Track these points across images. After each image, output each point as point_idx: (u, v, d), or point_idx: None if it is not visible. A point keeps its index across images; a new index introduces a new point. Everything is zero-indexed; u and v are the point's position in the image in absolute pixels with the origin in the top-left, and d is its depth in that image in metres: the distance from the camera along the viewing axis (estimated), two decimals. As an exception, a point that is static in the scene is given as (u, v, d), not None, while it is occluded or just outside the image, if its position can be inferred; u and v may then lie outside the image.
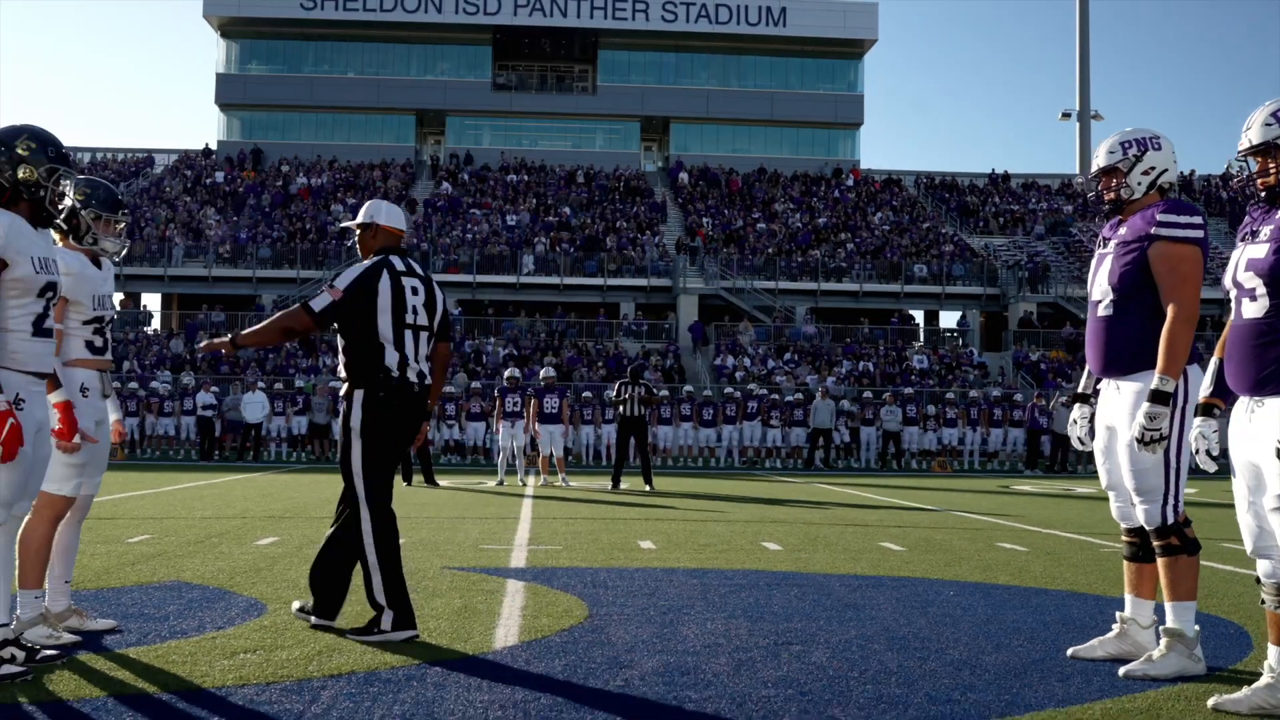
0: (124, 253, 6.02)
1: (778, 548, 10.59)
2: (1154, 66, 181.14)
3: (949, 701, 4.76)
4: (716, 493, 19.09)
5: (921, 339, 46.32)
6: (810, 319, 44.79)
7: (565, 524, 12.89)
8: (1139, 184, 5.58)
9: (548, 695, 4.77)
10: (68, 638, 5.70)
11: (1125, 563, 5.76)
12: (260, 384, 32.05)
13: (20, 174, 4.93)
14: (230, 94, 62.26)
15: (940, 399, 34.52)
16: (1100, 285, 5.58)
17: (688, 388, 34.51)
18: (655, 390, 20.73)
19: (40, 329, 4.98)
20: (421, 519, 13.06)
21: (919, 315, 49.25)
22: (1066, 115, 63.66)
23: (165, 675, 5.07)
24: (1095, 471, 21.39)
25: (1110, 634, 5.73)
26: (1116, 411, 5.51)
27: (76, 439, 5.45)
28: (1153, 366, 5.28)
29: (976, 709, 4.64)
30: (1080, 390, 5.97)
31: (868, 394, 34.39)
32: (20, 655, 4.96)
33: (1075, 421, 5.95)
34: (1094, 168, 5.70)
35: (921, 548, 10.79)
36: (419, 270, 6.40)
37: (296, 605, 6.42)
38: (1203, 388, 5.01)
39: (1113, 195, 5.63)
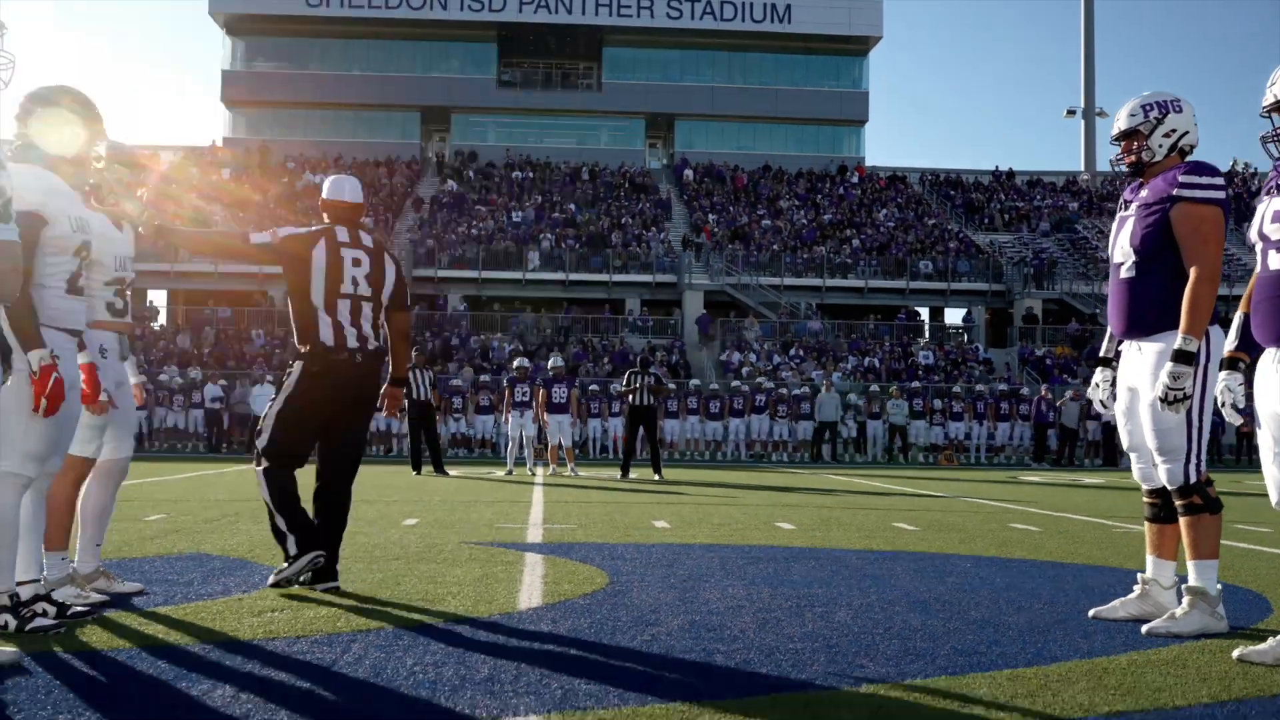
0: (145, 216, 6.07)
1: (792, 527, 10.63)
2: (1159, 64, 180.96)
3: (975, 654, 4.79)
4: (726, 481, 19.12)
5: (927, 335, 46.30)
6: (816, 315, 44.80)
7: (579, 506, 12.93)
8: (1160, 146, 5.60)
9: (576, 649, 4.81)
10: (96, 598, 5.74)
11: (1147, 524, 5.79)
12: (269, 377, 32.10)
13: (65, 134, 4.98)
14: (236, 91, 62.31)
15: (946, 393, 34.53)
16: (1121, 247, 5.60)
17: (694, 381, 34.51)
18: (664, 380, 20.73)
19: (73, 287, 5.03)
20: (434, 502, 13.10)
21: (924, 312, 49.23)
22: (1071, 112, 63.72)
23: (196, 629, 5.12)
24: (1102, 465, 21.43)
25: (1132, 595, 5.75)
26: (1139, 372, 5.53)
27: (103, 397, 5.49)
28: (1175, 327, 5.30)
29: (1004, 660, 4.67)
30: (1101, 354, 5.99)
31: (874, 388, 34.40)
32: (51, 610, 5.00)
33: (1097, 385, 5.98)
34: (1114, 131, 5.72)
35: (935, 527, 10.82)
36: (366, 242, 6.54)
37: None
38: (1228, 341, 5.05)
39: (1133, 158, 5.65)
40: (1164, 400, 5.20)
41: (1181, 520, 5.44)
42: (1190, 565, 5.38)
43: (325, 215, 6.63)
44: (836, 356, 40.25)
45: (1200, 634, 5.25)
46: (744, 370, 37.81)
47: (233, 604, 5.81)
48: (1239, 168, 57.33)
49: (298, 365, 6.40)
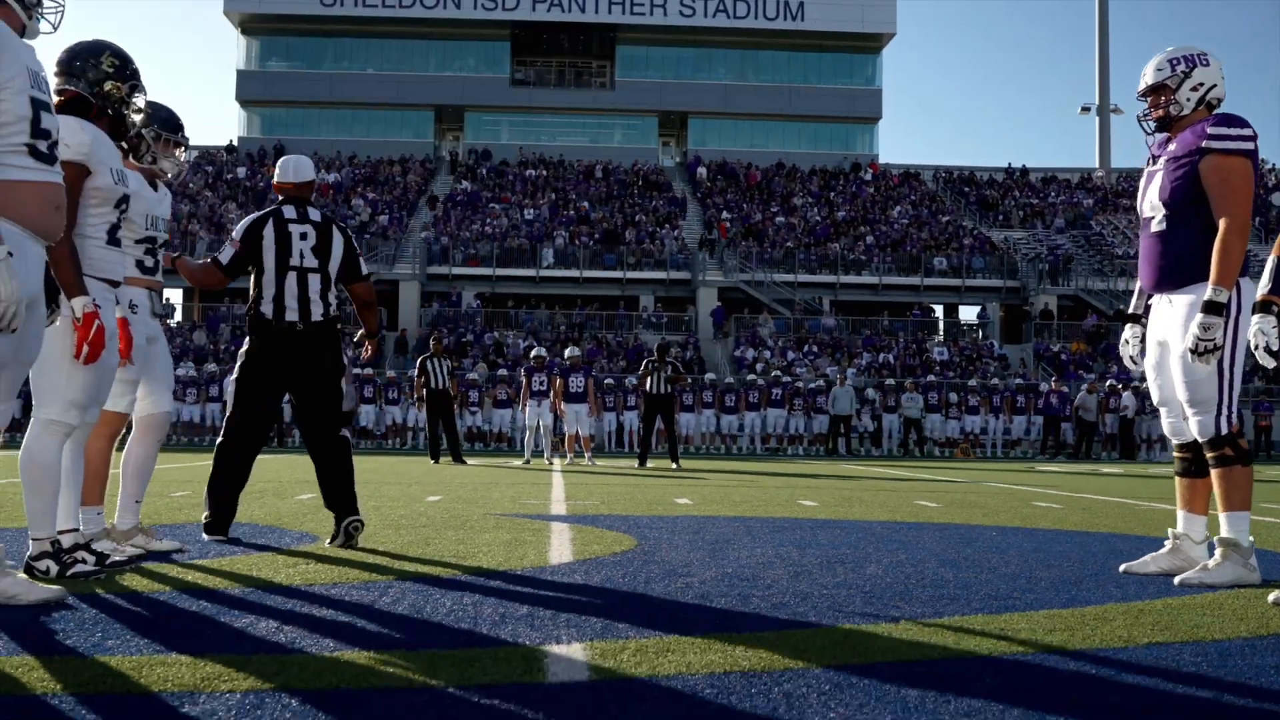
0: (181, 176, 6.15)
1: (814, 503, 10.64)
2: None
3: (1010, 598, 4.80)
4: (744, 469, 19.13)
5: (941, 332, 46.24)
6: (830, 311, 44.78)
7: (600, 486, 12.96)
8: (1187, 100, 5.60)
9: (610, 595, 4.82)
10: (133, 551, 5.77)
11: (1177, 479, 5.79)
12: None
13: (106, 88, 5.03)
14: (251, 90, 62.54)
15: (962, 388, 34.52)
16: (1151, 201, 5.61)
17: (710, 375, 34.52)
18: (681, 369, 20.73)
19: (113, 238, 5.09)
20: (455, 484, 13.13)
21: (939, 308, 49.17)
22: (1086, 109, 63.67)
23: (234, 576, 5.15)
24: (1118, 457, 21.45)
25: (1163, 550, 5.75)
26: (1169, 325, 5.53)
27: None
28: (1205, 279, 5.30)
29: (1039, 603, 4.68)
30: (1130, 310, 6.00)
31: (889, 382, 34.38)
32: (91, 559, 5.04)
33: (1127, 341, 5.98)
34: (1141, 86, 5.73)
35: (958, 505, 10.83)
36: (313, 217, 6.79)
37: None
38: (1261, 285, 5.06)
39: (1161, 112, 5.66)
40: (1194, 351, 5.21)
41: (1213, 472, 5.44)
42: (1222, 517, 5.38)
43: (279, 196, 6.91)
44: (851, 353, 40.23)
45: (1234, 584, 5.25)
46: (758, 366, 37.81)
47: (268, 558, 5.85)
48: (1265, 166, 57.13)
49: (246, 340, 6.79)
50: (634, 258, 46.24)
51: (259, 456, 7.04)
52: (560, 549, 6.48)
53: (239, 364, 6.79)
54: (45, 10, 4.34)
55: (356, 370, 33.59)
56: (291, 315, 6.59)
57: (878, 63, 64.73)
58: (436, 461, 19.99)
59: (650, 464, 20.01)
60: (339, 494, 6.57)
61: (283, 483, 12.77)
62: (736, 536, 7.31)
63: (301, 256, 6.64)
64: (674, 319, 44.08)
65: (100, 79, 5.05)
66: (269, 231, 6.64)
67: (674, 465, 19.41)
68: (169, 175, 6.06)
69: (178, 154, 6.09)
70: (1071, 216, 52.86)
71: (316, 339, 6.66)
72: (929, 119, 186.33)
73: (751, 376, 34.52)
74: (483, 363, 36.68)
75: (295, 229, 6.69)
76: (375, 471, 16.15)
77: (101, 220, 5.00)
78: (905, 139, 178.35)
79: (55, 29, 4.39)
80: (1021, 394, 34.06)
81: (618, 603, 4.61)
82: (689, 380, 30.78)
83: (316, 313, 6.63)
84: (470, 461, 20.70)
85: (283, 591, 4.72)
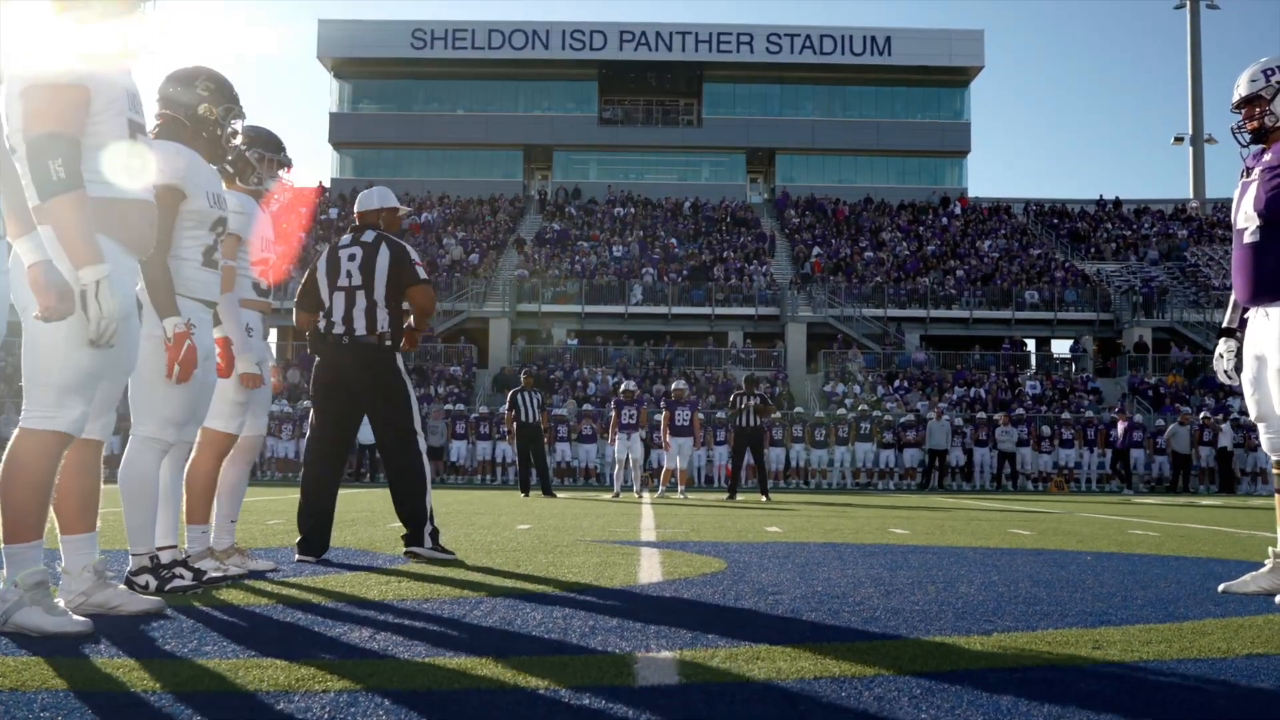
0: (287, 196, 6.29)
1: (906, 531, 10.56)
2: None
3: (1105, 614, 4.73)
4: (835, 501, 19.00)
5: (1033, 365, 45.63)
6: (921, 346, 44.42)
7: (689, 516, 12.96)
8: None
9: (701, 610, 4.82)
10: (233, 570, 5.87)
11: (1277, 496, 5.68)
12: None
13: (200, 111, 5.15)
14: (343, 132, 63.48)
15: (1056, 421, 34.04)
16: (1245, 212, 5.53)
17: (799, 409, 34.38)
18: (769, 401, 20.67)
19: (208, 260, 5.17)
20: (545, 515, 13.19)
21: (1030, 342, 48.54)
22: (1179, 139, 62.69)
23: (327, 592, 5.22)
24: (1217, 490, 20.95)
25: (1264, 569, 5.64)
26: (1266, 339, 5.44)
27: (249, 369, 5.68)
28: None
29: (1135, 618, 4.61)
30: (1225, 325, 5.91)
31: (981, 415, 33.99)
32: (189, 575, 5.13)
33: (1221, 355, 5.89)
34: (1235, 98, 5.67)
35: (1051, 532, 10.69)
36: (365, 239, 7.12)
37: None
38: (1225, 318, 5.01)
39: (1256, 124, 5.59)
40: None
41: None
42: None
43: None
44: (941, 387, 39.86)
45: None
46: (847, 401, 37.58)
47: (360, 577, 5.92)
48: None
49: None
50: (722, 294, 46.22)
51: (349, 491, 7.18)
52: (650, 569, 6.50)
53: (314, 384, 7.17)
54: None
55: (447, 406, 33.92)
56: (338, 329, 6.96)
57: (966, 96, 64.25)
58: (526, 495, 20.08)
59: (740, 497, 19.94)
60: (407, 502, 6.91)
61: (375, 512, 12.92)
62: (827, 560, 7.29)
63: (349, 276, 6.99)
64: (762, 355, 43.95)
65: (196, 102, 5.17)
66: (324, 259, 7.13)
67: (764, 499, 19.33)
68: (273, 193, 6.21)
69: (282, 174, 6.23)
70: (1166, 248, 52.03)
71: (367, 353, 6.92)
72: (1018, 152, 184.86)
73: (841, 411, 34.30)
74: (572, 399, 36.81)
75: (344, 251, 7.08)
76: (467, 503, 16.28)
77: (196, 243, 5.09)
78: (995, 172, 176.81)
79: (158, 54, 4.49)
80: (1093, 427, 33.58)
81: (708, 616, 4.61)
82: (777, 413, 30.70)
83: (360, 327, 6.92)
84: (560, 495, 20.77)
85: (375, 606, 4.79)
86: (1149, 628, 4.35)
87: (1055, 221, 55.88)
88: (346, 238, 7.19)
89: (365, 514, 12.49)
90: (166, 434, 4.95)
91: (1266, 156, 5.51)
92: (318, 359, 7.09)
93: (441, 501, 16.89)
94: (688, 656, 3.64)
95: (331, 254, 7.11)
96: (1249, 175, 5.61)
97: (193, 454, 5.61)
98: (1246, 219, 5.50)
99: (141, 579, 4.93)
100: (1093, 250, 52.67)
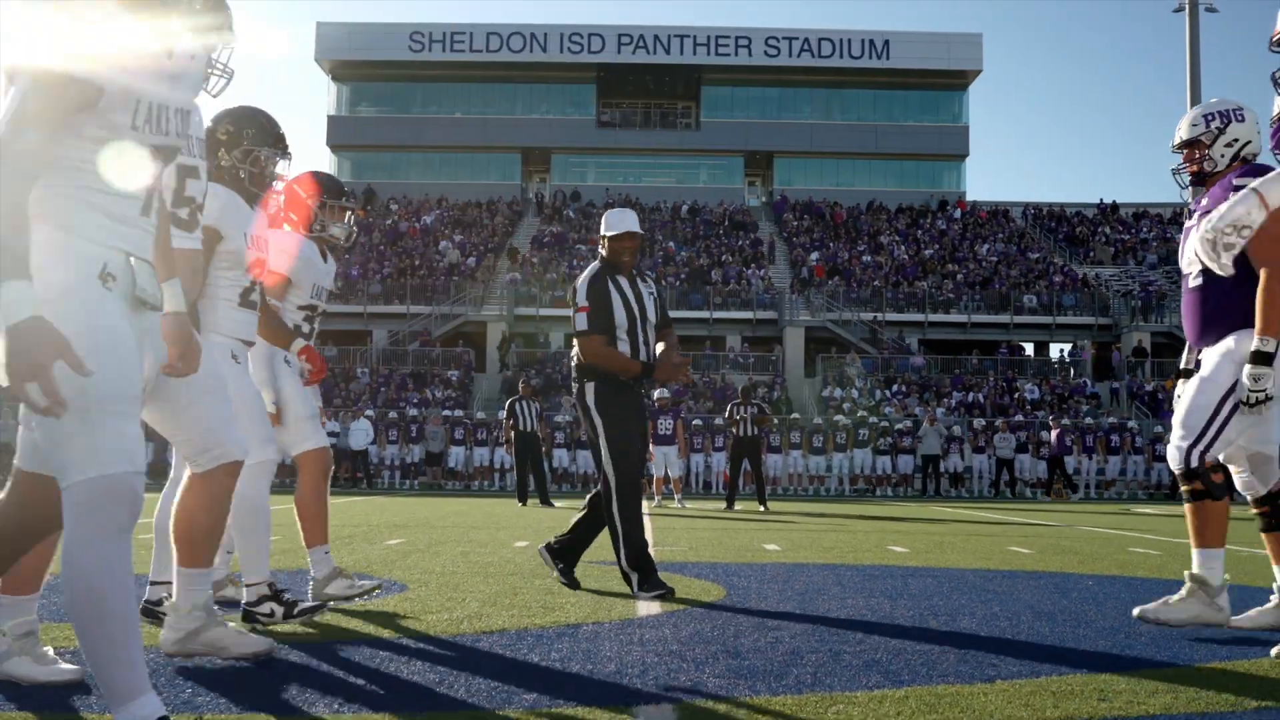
0: (354, 238, 6.37)
1: (905, 549, 10.51)
2: (1266, 94, 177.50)
3: (1110, 656, 4.69)
4: (833, 512, 18.95)
5: (1032, 370, 45.59)
6: (918, 350, 44.39)
7: (687, 531, 12.91)
8: (1221, 156, 5.56)
9: (701, 646, 4.78)
10: (369, 584, 6.06)
11: (1263, 535, 5.64)
12: (369, 411, 32.48)
13: (221, 162, 5.08)
14: (341, 135, 63.45)
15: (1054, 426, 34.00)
16: (1188, 257, 5.57)
17: (795, 415, 34.33)
18: (767, 410, 20.61)
19: (246, 300, 5.10)
20: (542, 529, 13.11)
21: (1029, 346, 48.53)
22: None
23: (319, 626, 5.16)
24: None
25: (1269, 604, 5.59)
26: (1207, 362, 5.49)
27: (271, 408, 5.70)
28: (1242, 326, 5.26)
29: (1138, 662, 4.56)
30: (1182, 366, 5.92)
31: (979, 422, 33.95)
32: (279, 610, 5.11)
33: (1179, 396, 5.87)
34: (1175, 140, 5.69)
35: (1051, 550, 10.64)
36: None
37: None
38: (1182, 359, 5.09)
39: (1195, 168, 5.63)
40: (1246, 404, 5.16)
41: (1186, 507, 5.50)
42: (1195, 553, 5.47)
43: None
44: (939, 392, 39.84)
45: (1194, 622, 5.37)
46: (845, 406, 37.55)
47: (353, 612, 5.87)
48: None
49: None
50: (720, 298, 46.20)
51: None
52: (649, 602, 6.44)
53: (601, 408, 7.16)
54: (214, 70, 4.16)
55: (445, 412, 33.89)
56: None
57: (964, 99, 64.23)
58: (524, 504, 20.02)
59: (738, 505, 19.90)
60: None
61: (373, 526, 12.86)
62: (826, 586, 7.23)
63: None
64: (761, 359, 43.91)
65: (235, 144, 5.10)
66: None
67: (762, 509, 19.28)
68: (340, 239, 6.17)
69: (345, 218, 6.19)
70: (1164, 252, 52.01)
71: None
72: (1017, 155, 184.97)
73: (838, 417, 34.27)
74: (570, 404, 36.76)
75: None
76: (463, 514, 16.22)
77: (233, 283, 5.02)
78: (993, 176, 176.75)
79: (215, 96, 4.35)
80: (1115, 433, 33.50)
81: (707, 656, 4.56)
82: (775, 421, 30.65)
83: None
84: (557, 504, 20.74)
85: (368, 644, 4.72)
86: (1156, 671, 4.31)
87: (1054, 225, 55.91)
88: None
89: (362, 529, 12.42)
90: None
91: (1204, 201, 5.53)
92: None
93: (440, 511, 16.84)
94: (687, 710, 3.58)
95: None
96: (1190, 218, 5.63)
97: (298, 482, 5.99)
98: (1189, 264, 5.54)
99: (265, 608, 5.00)
100: (1091, 254, 52.67)
